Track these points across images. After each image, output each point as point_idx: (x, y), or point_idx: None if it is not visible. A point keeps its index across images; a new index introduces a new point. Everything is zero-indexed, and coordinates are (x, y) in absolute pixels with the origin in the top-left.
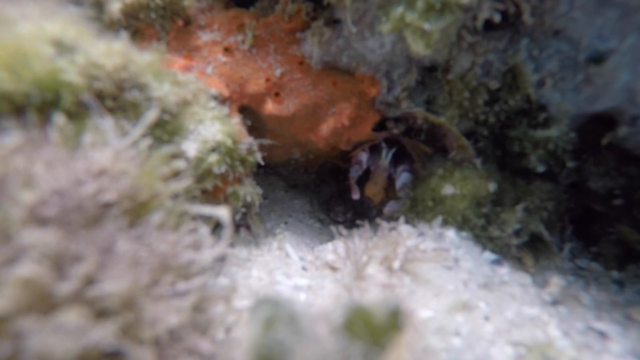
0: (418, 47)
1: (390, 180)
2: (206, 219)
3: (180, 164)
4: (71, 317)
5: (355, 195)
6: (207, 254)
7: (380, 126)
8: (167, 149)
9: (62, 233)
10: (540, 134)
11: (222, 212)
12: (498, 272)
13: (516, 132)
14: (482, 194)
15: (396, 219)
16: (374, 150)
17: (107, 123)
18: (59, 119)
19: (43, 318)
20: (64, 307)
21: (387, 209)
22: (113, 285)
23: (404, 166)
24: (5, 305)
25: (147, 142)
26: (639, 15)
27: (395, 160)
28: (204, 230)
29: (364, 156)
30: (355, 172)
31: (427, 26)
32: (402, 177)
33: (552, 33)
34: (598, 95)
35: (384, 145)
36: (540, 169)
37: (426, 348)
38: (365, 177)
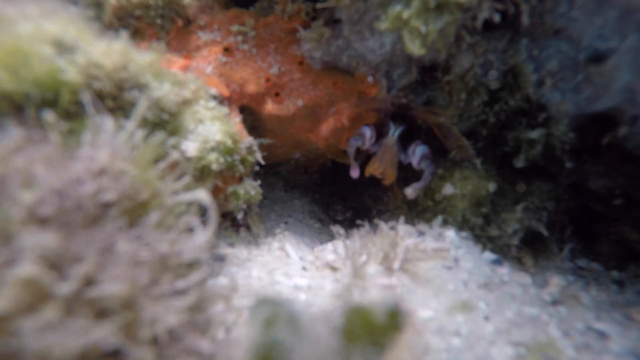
0: (414, 46)
1: (400, 165)
2: (206, 218)
3: (175, 155)
4: (51, 313)
5: (354, 173)
6: (200, 239)
7: (379, 127)
8: (158, 137)
9: (61, 233)
10: (524, 135)
11: (202, 195)
12: (498, 272)
13: (513, 134)
14: (482, 194)
15: (396, 219)
16: (380, 133)
17: (106, 121)
18: (50, 116)
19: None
20: (47, 304)
21: (410, 191)
22: (112, 287)
23: (417, 141)
24: (5, 305)
25: (141, 133)
26: (639, 15)
27: (404, 145)
28: (194, 219)
29: (367, 130)
30: (354, 141)
31: (423, 28)
32: (418, 151)
33: (552, 33)
34: (598, 95)
35: (392, 124)
36: (520, 164)
37: (426, 348)
38: (367, 163)
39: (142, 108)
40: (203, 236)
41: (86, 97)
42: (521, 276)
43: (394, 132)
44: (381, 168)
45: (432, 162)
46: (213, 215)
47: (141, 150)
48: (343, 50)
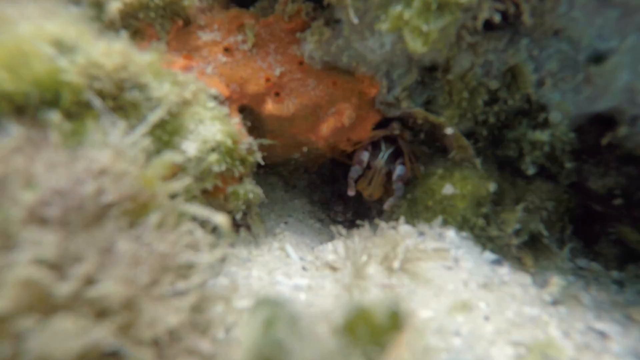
0: (416, 45)
1: (389, 176)
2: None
3: (178, 158)
4: (66, 323)
5: (350, 192)
6: (205, 258)
7: (380, 126)
8: (169, 155)
9: (62, 233)
10: (531, 136)
11: (220, 219)
12: (498, 272)
13: (514, 134)
14: (482, 194)
15: (396, 219)
16: (375, 147)
17: (111, 122)
18: (54, 116)
19: (43, 318)
20: (61, 312)
21: (386, 205)
22: (111, 286)
23: (401, 159)
24: (5, 305)
25: (147, 141)
26: (639, 15)
27: (395, 157)
28: (200, 233)
29: (365, 155)
30: (354, 173)
31: (425, 28)
32: (398, 170)
33: (552, 33)
34: (598, 95)
35: (383, 146)
36: (531, 171)
37: (426, 348)
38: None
39: (154, 118)
40: (210, 256)
41: (93, 98)
42: (521, 276)
43: (383, 155)
44: (369, 191)
45: (405, 184)
46: (226, 242)
47: (153, 164)
48: (343, 50)
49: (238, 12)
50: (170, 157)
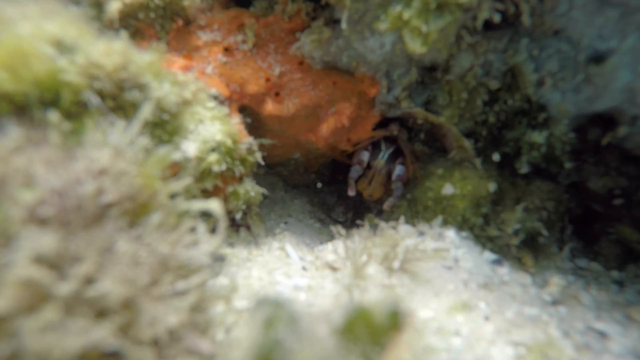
0: (415, 45)
1: (389, 176)
2: (206, 218)
3: (177, 156)
4: (51, 313)
5: (351, 192)
6: (205, 248)
7: (380, 126)
8: (164, 150)
9: (61, 233)
10: (529, 137)
11: (214, 205)
12: (498, 272)
13: (513, 134)
14: (482, 194)
15: (396, 219)
16: (375, 147)
17: (110, 121)
18: (53, 116)
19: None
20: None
21: (386, 204)
22: (109, 285)
23: (401, 159)
24: (5, 305)
25: (144, 139)
26: (639, 15)
27: (395, 157)
28: (201, 226)
29: (365, 155)
30: (355, 173)
31: (424, 28)
32: (397, 170)
33: (552, 33)
34: (598, 95)
35: (383, 146)
36: (525, 170)
37: (426, 348)
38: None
39: (146, 111)
40: (209, 245)
41: (91, 97)
42: (521, 276)
43: (383, 155)
44: (369, 191)
45: (404, 184)
46: (222, 226)
47: (149, 160)
48: (343, 50)
49: (238, 12)
50: (165, 151)
